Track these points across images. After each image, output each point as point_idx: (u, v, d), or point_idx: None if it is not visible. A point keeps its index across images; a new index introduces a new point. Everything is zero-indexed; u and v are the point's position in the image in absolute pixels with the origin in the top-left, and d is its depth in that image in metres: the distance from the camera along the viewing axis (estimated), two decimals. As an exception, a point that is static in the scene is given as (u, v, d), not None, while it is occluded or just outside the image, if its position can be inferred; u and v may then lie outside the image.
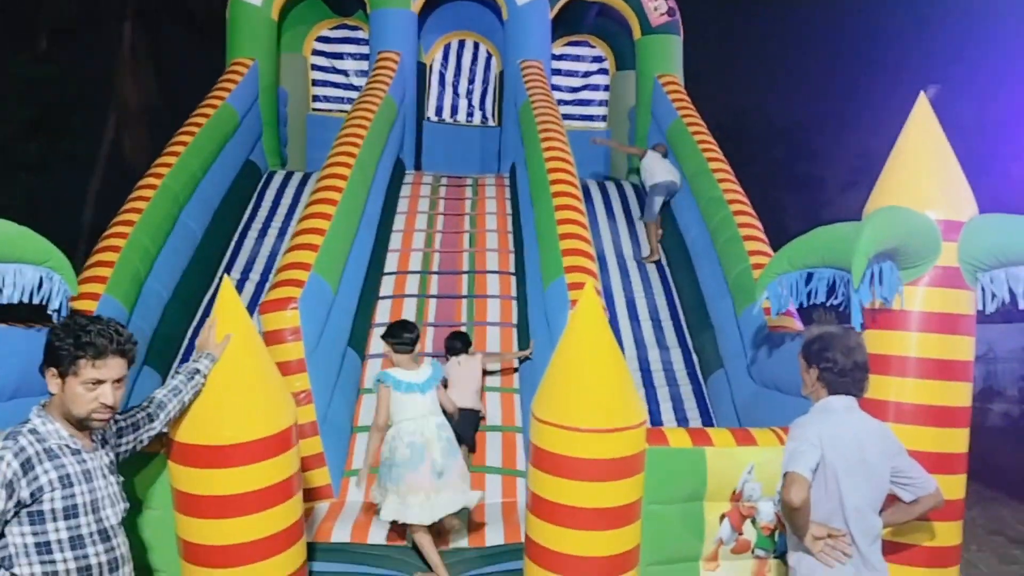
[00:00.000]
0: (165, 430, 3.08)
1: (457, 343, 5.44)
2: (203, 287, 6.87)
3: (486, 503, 4.86)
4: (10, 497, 2.28)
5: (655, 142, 8.30)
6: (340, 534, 4.30)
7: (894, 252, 3.63)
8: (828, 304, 3.94)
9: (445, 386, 4.95)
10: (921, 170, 3.77)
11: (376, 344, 6.18)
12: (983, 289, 3.73)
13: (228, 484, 3.25)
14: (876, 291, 3.60)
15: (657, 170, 7.73)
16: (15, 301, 4.15)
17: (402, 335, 4.21)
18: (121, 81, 16.35)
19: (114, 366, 2.46)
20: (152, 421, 2.93)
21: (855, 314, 3.61)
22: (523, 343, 6.06)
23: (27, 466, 2.32)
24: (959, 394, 3.72)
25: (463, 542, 4.30)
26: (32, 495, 2.32)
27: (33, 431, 2.41)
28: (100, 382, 2.43)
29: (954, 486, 3.70)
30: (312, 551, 3.90)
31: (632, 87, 9.22)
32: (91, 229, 14.47)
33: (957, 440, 3.73)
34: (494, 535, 4.35)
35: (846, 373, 2.98)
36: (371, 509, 4.73)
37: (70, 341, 2.40)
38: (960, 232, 3.70)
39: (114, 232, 5.93)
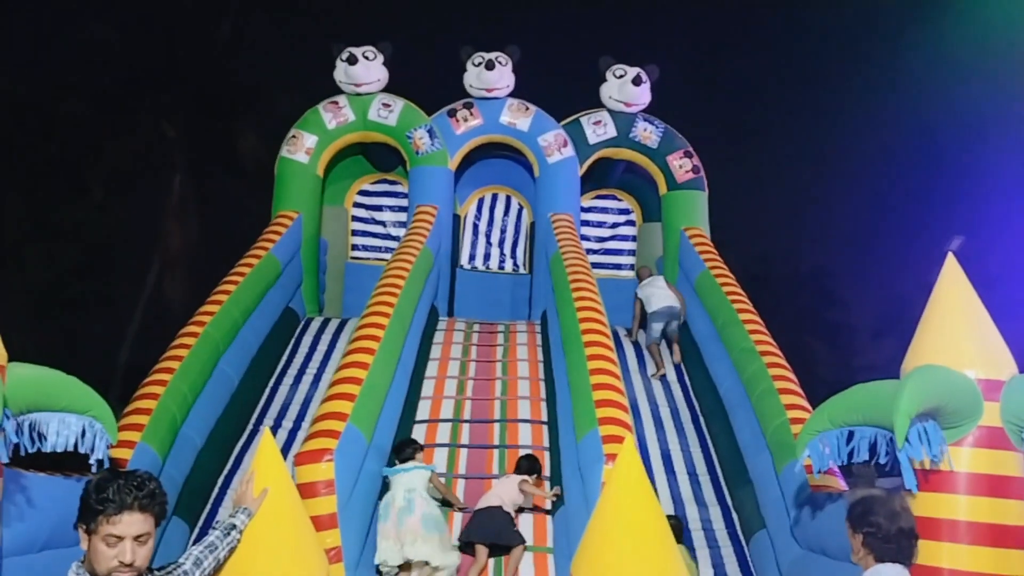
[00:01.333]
0: None
1: (524, 464, 5.87)
2: (236, 434, 6.90)
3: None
4: None
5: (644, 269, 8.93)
6: None
7: (936, 412, 3.60)
8: (872, 462, 3.87)
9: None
10: (956, 330, 3.79)
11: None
12: (1032, 451, 3.65)
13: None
14: (924, 451, 3.53)
15: (654, 298, 8.16)
16: (58, 451, 4.20)
17: (404, 450, 5.65)
18: (167, 227, 17.13)
19: (132, 522, 2.40)
20: None
21: (907, 475, 3.53)
22: (556, 499, 5.93)
23: None
24: (1013, 562, 3.55)
25: None
26: None
27: None
28: (119, 539, 2.39)
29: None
30: None
31: (659, 237, 9.51)
32: (126, 370, 14.72)
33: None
34: None
35: (891, 539, 2.89)
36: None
37: (93, 497, 2.40)
38: (1001, 391, 3.67)
39: (154, 379, 6.06)
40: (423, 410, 7.11)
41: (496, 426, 6.93)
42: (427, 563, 5.11)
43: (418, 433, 6.79)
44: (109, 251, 15.99)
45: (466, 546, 5.43)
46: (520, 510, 5.73)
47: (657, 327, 8.12)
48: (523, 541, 5.46)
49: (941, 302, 3.89)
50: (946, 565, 3.53)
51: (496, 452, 6.60)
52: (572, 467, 5.64)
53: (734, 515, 6.19)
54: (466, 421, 7.01)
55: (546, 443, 6.60)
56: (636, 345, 8.61)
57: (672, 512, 6.16)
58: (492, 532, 5.36)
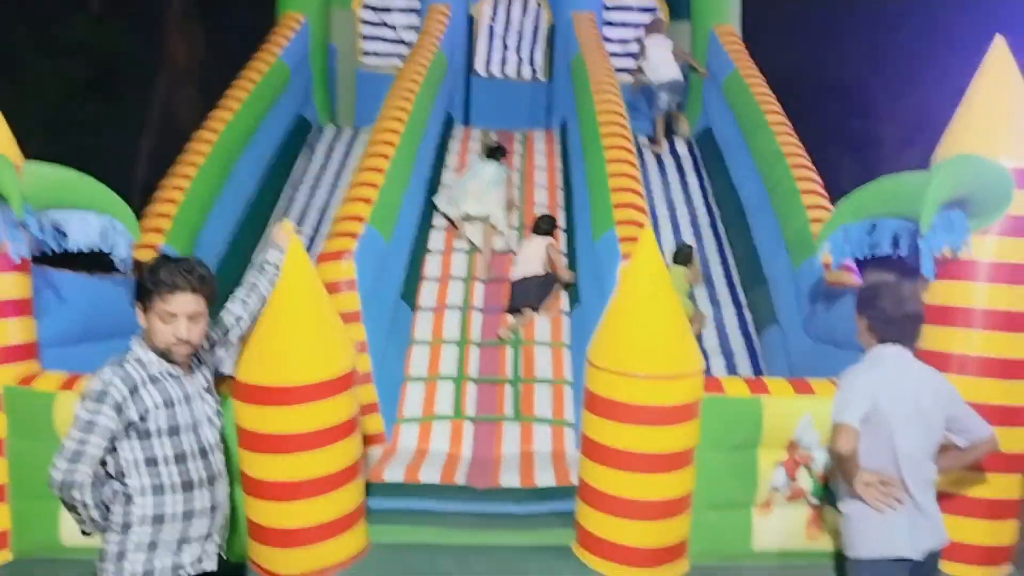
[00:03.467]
0: (250, 327, 3.22)
1: (543, 224, 6.36)
2: (256, 241, 6.99)
3: (536, 450, 4.91)
4: (120, 417, 2.51)
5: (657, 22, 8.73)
6: (393, 475, 4.40)
7: (964, 201, 3.52)
8: (893, 256, 3.85)
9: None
10: (995, 115, 3.62)
11: (426, 297, 6.25)
12: (1057, 239, 3.60)
13: (293, 423, 3.35)
14: (946, 240, 3.50)
15: (661, 68, 8.17)
16: (82, 249, 4.27)
17: (496, 151, 7.13)
18: (170, 39, 16.54)
19: (184, 302, 2.57)
20: (239, 323, 3.13)
21: (926, 262, 3.52)
22: (572, 296, 6.06)
23: (134, 390, 2.54)
24: (1025, 348, 3.62)
25: (515, 482, 4.38)
26: (141, 416, 2.54)
27: (137, 360, 2.61)
28: (173, 316, 2.57)
29: (1018, 439, 3.62)
30: (368, 489, 4.00)
31: (687, 38, 8.99)
32: (143, 187, 14.76)
33: (1022, 393, 3.63)
34: (545, 477, 4.41)
35: (894, 322, 2.94)
36: (423, 453, 4.83)
37: (149, 278, 2.57)
38: (1034, 180, 3.57)
39: (172, 184, 6.05)
40: (440, 217, 7.13)
41: (515, 233, 6.95)
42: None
43: (435, 239, 6.86)
44: (114, 68, 15.53)
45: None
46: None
47: (664, 98, 8.23)
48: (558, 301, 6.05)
49: (982, 86, 3.70)
50: (958, 350, 3.61)
51: (513, 256, 6.67)
52: (588, 268, 5.70)
53: (747, 313, 6.31)
54: (484, 225, 7.03)
55: (564, 248, 6.65)
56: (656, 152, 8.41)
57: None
58: (533, 298, 5.96)
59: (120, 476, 2.57)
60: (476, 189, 6.74)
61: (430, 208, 7.08)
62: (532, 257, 6.10)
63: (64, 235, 4.17)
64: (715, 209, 7.48)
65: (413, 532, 3.91)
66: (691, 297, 6.26)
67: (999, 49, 3.72)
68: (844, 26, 19.10)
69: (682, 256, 6.42)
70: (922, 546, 2.87)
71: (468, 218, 6.78)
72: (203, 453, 2.69)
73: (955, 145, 3.70)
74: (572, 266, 6.28)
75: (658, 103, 8.25)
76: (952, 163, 3.56)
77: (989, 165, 3.56)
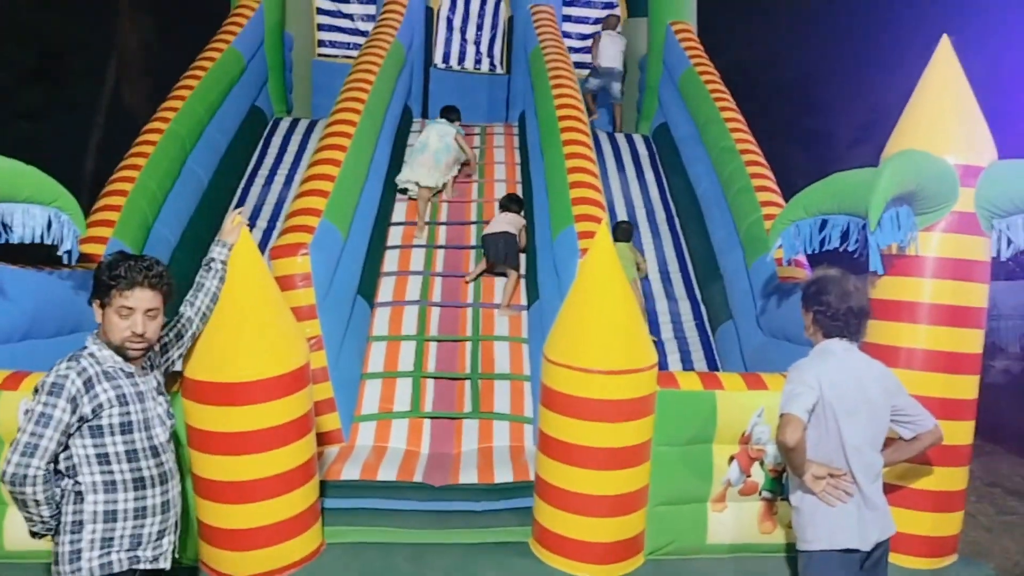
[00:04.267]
0: (200, 328, 3.19)
1: (513, 205, 6.58)
2: (210, 233, 6.74)
3: (495, 446, 4.91)
4: (74, 411, 2.53)
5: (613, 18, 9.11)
6: (350, 473, 4.36)
7: (911, 196, 3.60)
8: (841, 250, 3.93)
9: None
10: (941, 114, 3.72)
11: (385, 292, 6.19)
12: (998, 236, 3.71)
13: (243, 421, 3.28)
14: (894, 235, 3.57)
15: (604, 54, 8.75)
16: (25, 242, 4.14)
17: (451, 112, 7.57)
18: (120, 26, 16.11)
19: (143, 297, 2.64)
20: (190, 324, 3.13)
21: (874, 258, 3.59)
22: (531, 293, 6.06)
23: (88, 384, 2.56)
24: (970, 341, 3.73)
25: (473, 479, 4.37)
26: (93, 411, 2.56)
27: (92, 355, 2.63)
28: (131, 310, 2.62)
29: (962, 432, 3.73)
30: (323, 488, 3.95)
31: (644, 35, 9.05)
32: (93, 177, 14.39)
33: (966, 387, 3.74)
34: (503, 474, 4.42)
35: (839, 317, 3.00)
36: (381, 451, 4.80)
37: (107, 274, 2.62)
38: (978, 178, 3.67)
39: (121, 176, 5.89)
40: (399, 212, 7.07)
41: (472, 228, 6.93)
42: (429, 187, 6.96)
43: (393, 236, 6.80)
44: (61, 54, 15.07)
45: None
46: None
47: (595, 82, 8.84)
48: (519, 268, 6.24)
49: (929, 86, 3.80)
50: (904, 344, 3.70)
51: (472, 252, 6.65)
52: (547, 265, 5.70)
53: (703, 308, 6.39)
54: (443, 223, 7.00)
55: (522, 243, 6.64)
56: (615, 146, 8.46)
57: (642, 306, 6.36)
58: (501, 254, 6.16)
59: (71, 473, 2.57)
60: (426, 160, 7.08)
61: (389, 202, 7.01)
62: (498, 221, 6.39)
63: (8, 228, 4.05)
64: (672, 205, 7.55)
65: (369, 532, 3.87)
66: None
67: (944, 49, 3.82)
68: (799, 24, 19.42)
69: (622, 232, 6.62)
70: (870, 537, 2.94)
71: (416, 187, 7.11)
72: (155, 452, 2.71)
73: (903, 143, 3.78)
74: (531, 261, 6.28)
75: (587, 84, 8.74)
76: (899, 159, 3.64)
77: (935, 161, 3.65)
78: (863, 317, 3.04)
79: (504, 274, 6.29)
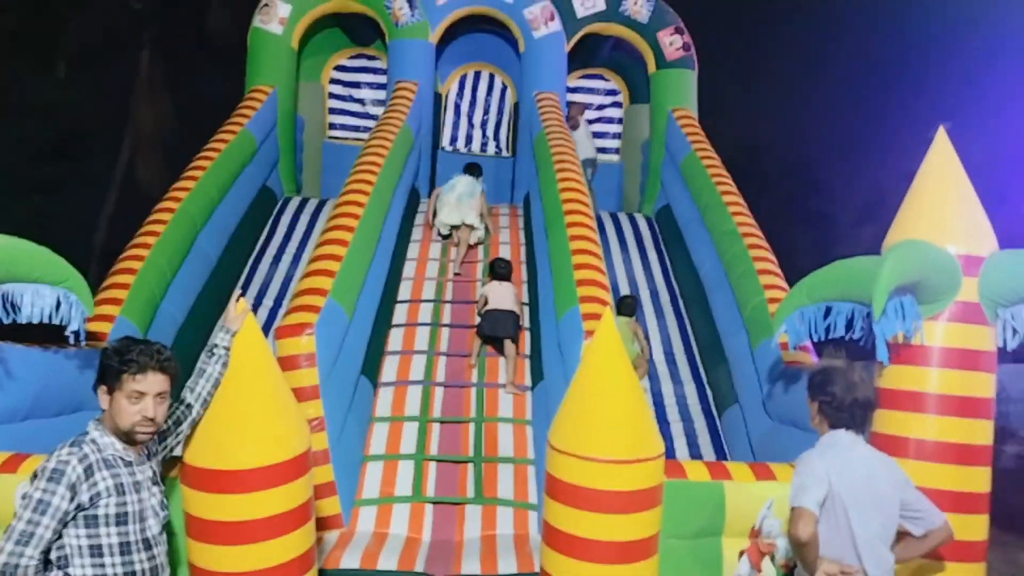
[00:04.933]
0: (201, 414, 3.13)
1: (509, 272, 6.58)
2: (217, 311, 6.85)
3: (498, 534, 4.80)
4: (72, 499, 2.49)
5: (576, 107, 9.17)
6: (350, 561, 4.25)
7: (914, 286, 3.62)
8: (847, 338, 3.92)
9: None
10: (941, 205, 3.77)
11: (388, 372, 6.17)
12: (1003, 325, 3.71)
13: (241, 510, 3.21)
14: (899, 324, 3.58)
15: (579, 148, 8.46)
16: (34, 322, 4.16)
17: (475, 169, 8.00)
18: (137, 106, 16.57)
19: (154, 381, 2.66)
20: (189, 411, 3.08)
21: (880, 348, 3.58)
22: (536, 374, 6.04)
23: (89, 472, 2.54)
24: (980, 432, 3.68)
25: (476, 569, 4.25)
26: (91, 499, 2.53)
27: (93, 441, 2.62)
28: (142, 395, 2.62)
29: (976, 526, 3.64)
30: (323, 578, 3.85)
31: (646, 120, 9.30)
32: (103, 252, 14.56)
33: (978, 479, 3.67)
34: (507, 564, 4.30)
35: (844, 408, 2.98)
36: (382, 537, 4.69)
37: (116, 359, 2.62)
38: (980, 268, 3.69)
39: (131, 254, 5.97)
40: (404, 291, 7.11)
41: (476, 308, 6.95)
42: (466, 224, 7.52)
43: (400, 313, 6.83)
44: (79, 132, 15.47)
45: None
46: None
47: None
48: (519, 341, 6.31)
49: (928, 177, 3.86)
50: (913, 435, 3.65)
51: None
52: (552, 346, 5.70)
53: (708, 391, 6.34)
54: (448, 302, 7.04)
55: (527, 323, 6.65)
56: (618, 229, 8.57)
57: (648, 389, 6.32)
58: (511, 330, 6.18)
59: (62, 563, 2.52)
60: (452, 201, 7.59)
61: (395, 281, 7.06)
62: (505, 296, 6.35)
63: (16, 308, 4.07)
64: (676, 286, 7.59)
65: (368, 622, 3.75)
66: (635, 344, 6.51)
67: (941, 141, 3.90)
68: (802, 105, 19.94)
69: (626, 307, 6.62)
70: (884, 636, 2.84)
71: (447, 226, 7.62)
72: (147, 545, 2.66)
73: (905, 231, 3.82)
74: (535, 342, 6.27)
75: None
76: (902, 249, 3.67)
77: (938, 252, 3.68)
78: (869, 409, 3.02)
79: (502, 346, 6.23)
